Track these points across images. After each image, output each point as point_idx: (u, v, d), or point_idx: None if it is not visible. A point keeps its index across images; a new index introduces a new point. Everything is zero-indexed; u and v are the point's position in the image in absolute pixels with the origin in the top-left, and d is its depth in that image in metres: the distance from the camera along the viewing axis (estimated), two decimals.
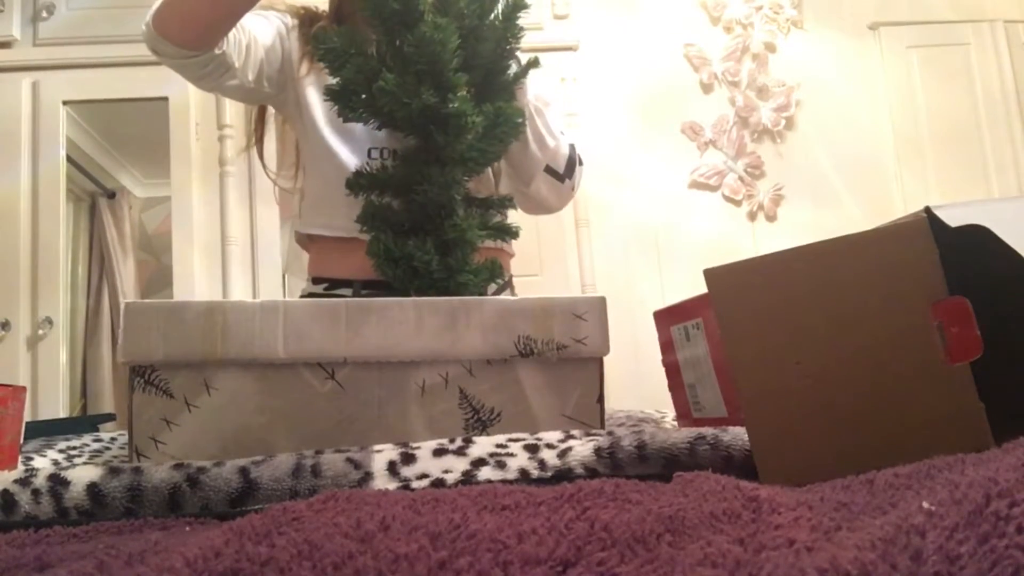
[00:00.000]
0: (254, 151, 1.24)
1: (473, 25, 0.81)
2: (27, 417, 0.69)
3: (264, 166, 1.25)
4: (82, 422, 0.95)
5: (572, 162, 1.13)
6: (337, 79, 0.80)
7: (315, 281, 1.10)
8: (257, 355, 0.61)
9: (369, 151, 1.07)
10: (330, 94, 0.82)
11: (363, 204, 0.84)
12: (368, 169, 0.85)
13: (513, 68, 0.89)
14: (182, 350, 0.60)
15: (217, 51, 0.99)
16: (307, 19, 1.13)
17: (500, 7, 0.83)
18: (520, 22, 0.84)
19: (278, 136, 1.24)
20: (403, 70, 0.77)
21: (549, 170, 1.10)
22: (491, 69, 0.84)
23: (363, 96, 0.80)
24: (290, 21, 1.12)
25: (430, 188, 0.78)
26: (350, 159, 1.07)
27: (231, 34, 1.00)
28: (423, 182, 0.78)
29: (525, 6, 0.83)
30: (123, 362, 0.61)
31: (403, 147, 0.84)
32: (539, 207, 1.17)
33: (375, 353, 0.63)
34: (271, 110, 1.20)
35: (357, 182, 0.85)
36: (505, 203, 0.90)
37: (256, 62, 1.07)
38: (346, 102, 0.81)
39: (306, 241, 1.15)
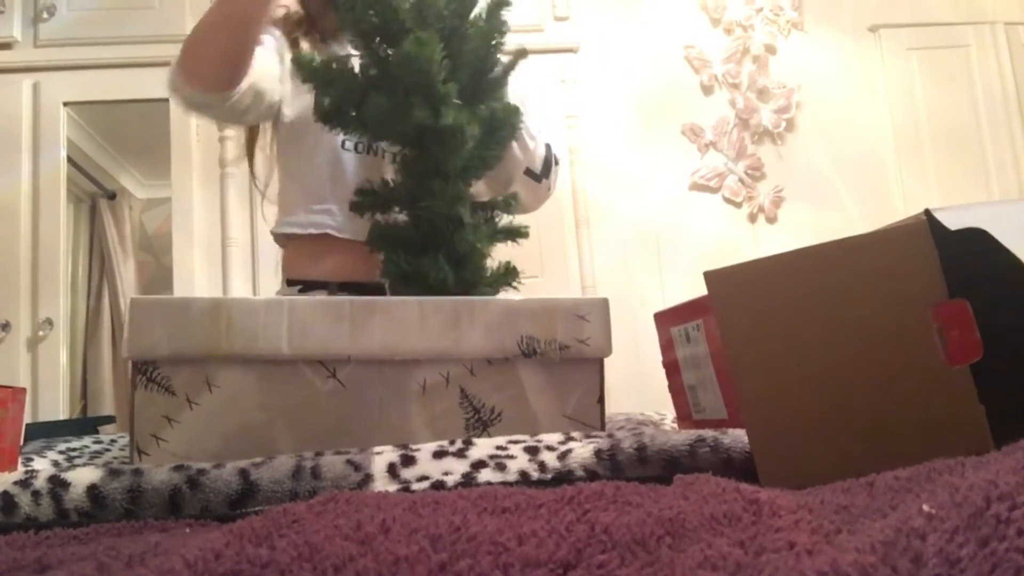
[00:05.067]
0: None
1: (455, 25, 0.80)
2: (27, 419, 0.69)
3: (254, 177, 1.24)
4: (82, 424, 0.95)
5: (548, 162, 1.13)
6: (326, 100, 0.80)
7: (289, 283, 1.10)
8: (261, 351, 0.61)
9: (343, 142, 1.07)
10: (321, 115, 0.82)
11: (371, 224, 0.84)
12: (371, 186, 0.85)
13: (500, 65, 0.89)
14: (187, 346, 0.60)
15: (245, 85, 1.00)
16: (286, 20, 1.14)
17: (483, 4, 0.82)
18: (508, 19, 0.83)
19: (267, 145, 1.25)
20: (390, 88, 0.77)
21: (528, 171, 1.10)
22: (478, 68, 0.84)
23: (354, 115, 0.80)
24: (277, 33, 1.13)
25: (435, 203, 0.77)
26: (320, 154, 1.07)
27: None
28: (426, 196, 0.78)
29: (507, 3, 0.83)
30: (127, 357, 0.61)
31: (400, 155, 0.83)
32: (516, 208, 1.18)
33: (379, 351, 0.63)
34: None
35: (362, 202, 0.84)
36: (510, 204, 0.89)
37: (274, 85, 1.08)
38: (338, 122, 0.81)
39: (284, 240, 1.15)
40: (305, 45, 1.12)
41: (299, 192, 1.10)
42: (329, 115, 0.81)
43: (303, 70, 0.79)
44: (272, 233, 1.16)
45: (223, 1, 0.94)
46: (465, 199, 0.80)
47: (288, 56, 1.11)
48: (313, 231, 1.07)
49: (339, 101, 0.79)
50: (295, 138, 1.10)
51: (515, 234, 0.89)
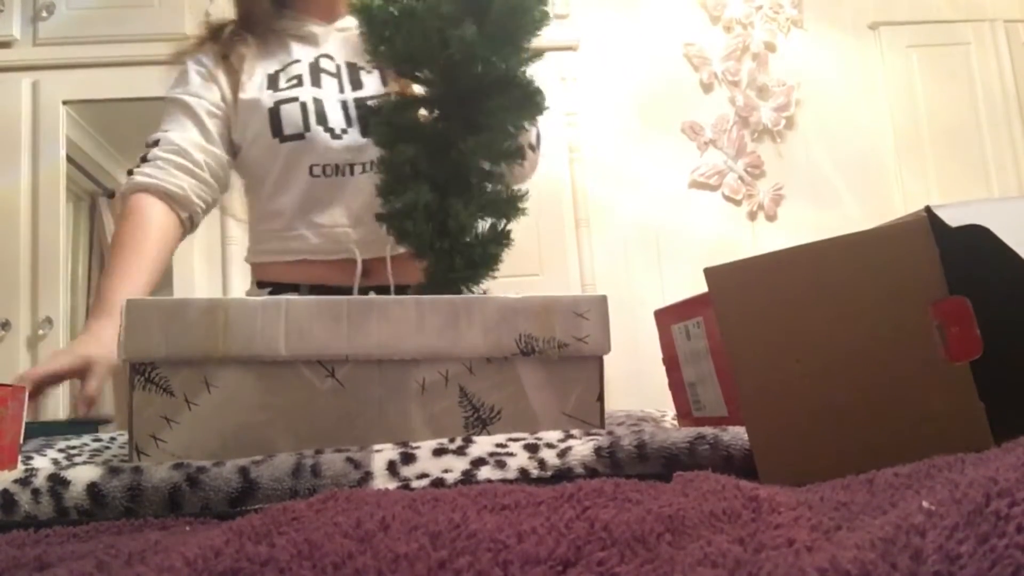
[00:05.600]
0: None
1: None
2: (27, 417, 0.69)
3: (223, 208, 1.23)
4: (80, 425, 0.95)
5: (539, 135, 1.13)
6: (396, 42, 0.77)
7: (259, 285, 1.09)
8: (259, 352, 0.61)
9: (311, 168, 1.05)
10: (363, 13, 0.78)
11: (391, 154, 0.80)
12: (392, 119, 0.81)
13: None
14: (184, 347, 0.60)
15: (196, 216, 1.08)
16: (215, 34, 1.12)
17: None
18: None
19: None
20: (481, 25, 0.74)
21: (529, 145, 1.11)
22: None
23: (409, 34, 0.76)
24: (209, 62, 1.10)
25: (479, 152, 0.76)
26: (288, 182, 1.06)
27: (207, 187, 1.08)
28: (463, 143, 0.76)
29: None
30: (123, 360, 0.61)
31: (457, 102, 0.81)
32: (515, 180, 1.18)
33: (376, 351, 0.63)
34: None
35: (388, 129, 0.80)
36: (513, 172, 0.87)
37: (225, 166, 1.09)
38: (378, 32, 0.77)
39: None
40: (246, 52, 1.10)
41: (270, 220, 1.09)
42: (376, 23, 0.77)
43: (363, 16, 0.77)
44: (247, 262, 1.16)
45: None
46: (508, 156, 0.79)
47: (226, 81, 1.08)
48: (290, 258, 1.06)
49: (413, 11, 0.76)
50: (259, 168, 1.09)
51: (518, 208, 0.86)
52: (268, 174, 1.07)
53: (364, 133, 1.06)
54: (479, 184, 0.78)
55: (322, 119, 1.05)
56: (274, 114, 1.05)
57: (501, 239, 0.79)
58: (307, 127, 1.04)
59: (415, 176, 0.76)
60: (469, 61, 0.74)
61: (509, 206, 0.79)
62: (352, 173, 1.05)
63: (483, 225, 0.80)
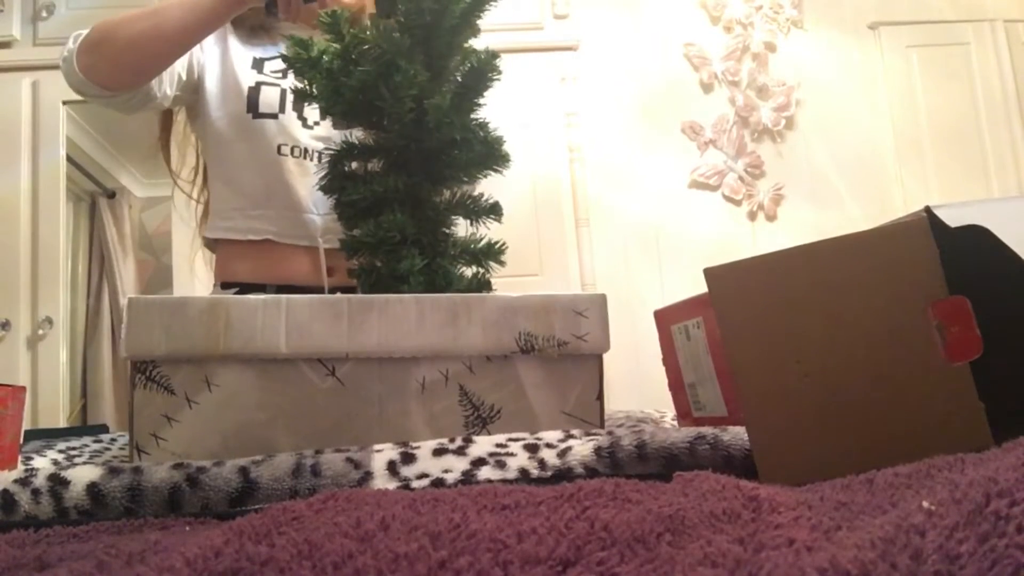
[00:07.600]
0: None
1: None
2: (27, 418, 0.69)
3: (172, 172, 1.22)
4: (77, 432, 0.95)
5: None
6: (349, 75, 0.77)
7: (223, 286, 1.08)
8: (259, 351, 0.61)
9: (279, 147, 1.06)
10: (328, 95, 0.79)
11: (367, 227, 0.79)
12: (359, 192, 0.82)
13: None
14: (185, 345, 0.60)
15: (141, 90, 1.02)
16: None
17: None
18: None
19: (177, 140, 1.22)
20: (445, 88, 0.76)
21: None
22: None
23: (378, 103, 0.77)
24: None
25: (457, 211, 0.79)
26: (256, 159, 1.06)
27: None
28: (439, 199, 0.78)
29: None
30: (125, 357, 0.61)
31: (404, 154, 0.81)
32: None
33: (376, 349, 0.63)
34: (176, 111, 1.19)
35: (355, 203, 0.81)
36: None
37: (173, 77, 1.07)
38: (353, 107, 0.78)
39: (213, 245, 1.14)
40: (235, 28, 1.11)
41: (235, 197, 1.09)
42: (341, 98, 0.78)
43: (309, 68, 0.78)
44: (203, 237, 1.15)
45: (170, 18, 0.94)
46: (487, 213, 0.81)
47: (204, 54, 1.08)
48: (253, 237, 1.06)
49: (371, 83, 0.76)
50: (226, 142, 1.09)
51: (498, 258, 0.86)
52: (233, 148, 1.08)
53: (336, 126, 1.07)
54: (455, 239, 0.80)
55: (299, 107, 1.08)
56: (253, 92, 1.07)
57: (482, 287, 0.80)
58: (282, 109, 1.07)
59: (404, 242, 0.77)
60: (441, 126, 0.76)
61: (487, 256, 0.80)
62: (320, 160, 1.06)
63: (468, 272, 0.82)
